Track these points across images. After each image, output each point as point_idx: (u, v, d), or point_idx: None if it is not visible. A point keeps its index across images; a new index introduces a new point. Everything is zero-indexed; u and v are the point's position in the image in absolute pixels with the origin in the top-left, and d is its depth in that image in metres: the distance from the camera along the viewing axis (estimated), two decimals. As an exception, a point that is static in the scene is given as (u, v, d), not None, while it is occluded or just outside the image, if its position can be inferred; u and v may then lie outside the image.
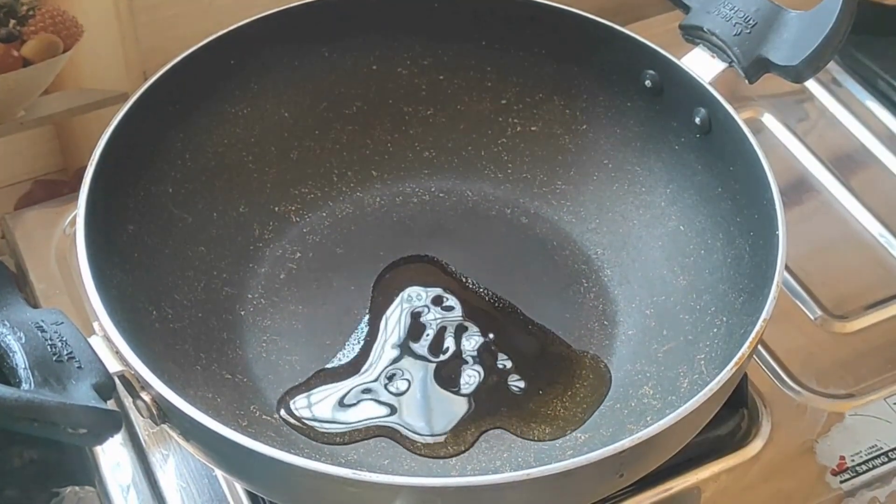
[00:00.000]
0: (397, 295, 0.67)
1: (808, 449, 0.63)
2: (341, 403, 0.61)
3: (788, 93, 0.82)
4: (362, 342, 0.64)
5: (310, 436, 0.60)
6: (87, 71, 0.72)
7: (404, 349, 0.64)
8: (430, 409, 0.61)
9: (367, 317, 0.65)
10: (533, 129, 0.71)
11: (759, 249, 0.58)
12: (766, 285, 0.55)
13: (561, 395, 0.62)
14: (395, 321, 0.65)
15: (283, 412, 0.61)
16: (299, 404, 0.61)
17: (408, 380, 0.62)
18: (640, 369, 0.62)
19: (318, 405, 0.61)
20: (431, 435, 0.60)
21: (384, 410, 0.61)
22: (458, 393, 0.62)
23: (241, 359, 0.63)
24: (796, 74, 0.62)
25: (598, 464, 0.48)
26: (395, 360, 0.63)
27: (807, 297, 0.70)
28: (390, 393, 0.62)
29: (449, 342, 0.64)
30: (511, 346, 0.64)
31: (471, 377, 0.62)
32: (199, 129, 0.65)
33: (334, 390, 0.62)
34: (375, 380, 0.62)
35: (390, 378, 0.62)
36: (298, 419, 0.60)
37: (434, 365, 0.63)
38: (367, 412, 0.61)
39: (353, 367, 0.63)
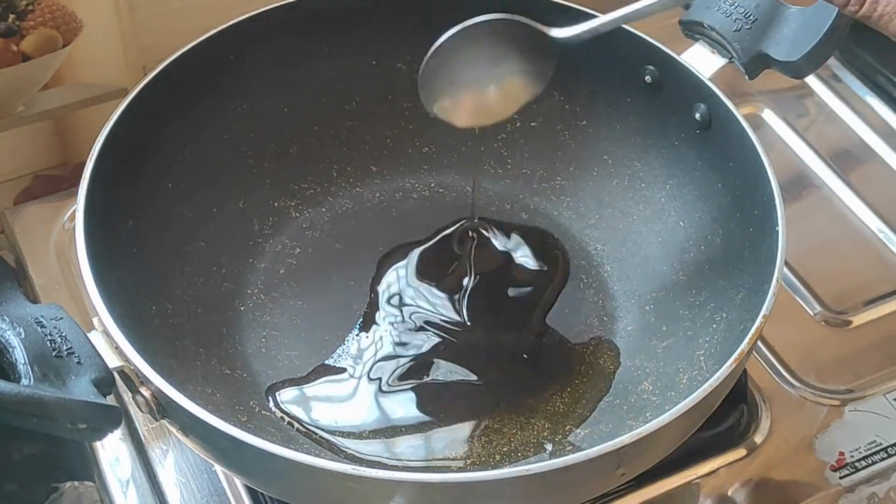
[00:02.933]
0: (396, 290, 0.67)
1: (808, 445, 0.63)
2: (335, 408, 0.61)
3: (788, 88, 0.82)
4: (361, 338, 0.64)
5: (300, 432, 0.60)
6: (86, 66, 0.72)
7: (402, 346, 0.64)
8: (427, 420, 0.61)
9: (366, 312, 0.65)
10: (532, 124, 0.71)
11: (759, 245, 0.58)
12: (765, 281, 0.55)
13: (560, 390, 0.62)
14: (393, 317, 0.65)
15: (271, 402, 0.61)
16: (286, 397, 0.61)
17: (405, 381, 0.62)
18: (639, 365, 0.62)
19: (310, 404, 0.61)
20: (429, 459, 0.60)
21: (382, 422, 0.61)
22: (457, 390, 0.62)
23: (240, 354, 0.63)
24: (796, 70, 0.62)
25: (597, 460, 0.48)
26: (393, 358, 0.63)
27: (806, 292, 0.70)
28: (387, 394, 0.62)
29: (448, 339, 0.64)
30: (510, 341, 0.64)
31: (470, 373, 0.63)
32: (198, 125, 0.65)
33: (329, 391, 0.62)
34: (372, 380, 0.62)
35: (387, 376, 0.62)
36: (286, 412, 0.61)
37: (433, 362, 0.63)
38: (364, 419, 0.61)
39: (351, 365, 0.63)
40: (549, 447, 0.59)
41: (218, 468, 0.60)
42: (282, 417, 0.60)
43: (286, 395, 0.61)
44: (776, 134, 0.80)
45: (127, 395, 0.53)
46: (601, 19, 0.59)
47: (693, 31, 0.64)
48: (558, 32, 0.58)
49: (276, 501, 0.59)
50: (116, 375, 0.51)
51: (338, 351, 0.63)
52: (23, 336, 0.49)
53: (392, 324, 0.65)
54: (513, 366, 0.63)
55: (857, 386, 0.66)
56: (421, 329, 0.64)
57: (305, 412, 0.61)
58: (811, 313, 0.70)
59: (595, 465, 0.48)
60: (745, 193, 0.60)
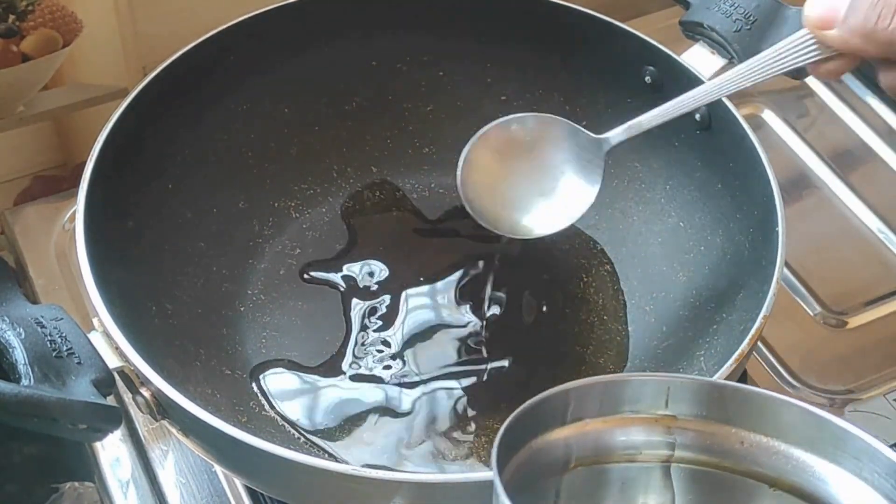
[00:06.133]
0: (396, 291, 0.66)
1: (808, 445, 0.63)
2: (334, 405, 0.62)
3: (788, 89, 0.82)
4: (361, 339, 0.64)
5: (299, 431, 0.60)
6: (86, 66, 0.72)
7: (402, 347, 0.64)
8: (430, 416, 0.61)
9: (366, 313, 0.65)
10: (533, 125, 0.71)
11: (759, 246, 0.58)
12: (765, 281, 0.55)
13: (560, 391, 0.62)
14: (394, 317, 0.65)
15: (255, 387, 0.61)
16: (283, 396, 0.61)
17: (405, 382, 0.62)
18: (639, 365, 0.62)
19: (308, 404, 0.61)
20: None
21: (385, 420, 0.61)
22: (458, 391, 0.62)
23: (240, 355, 0.63)
24: (796, 71, 0.62)
25: (597, 460, 0.48)
26: (393, 359, 0.63)
27: (806, 293, 0.70)
28: (387, 395, 0.62)
29: (449, 338, 0.64)
30: (511, 342, 0.64)
31: (471, 373, 0.63)
32: (198, 125, 0.65)
33: (329, 391, 0.62)
34: (372, 381, 0.62)
35: (387, 377, 0.62)
36: (281, 413, 0.61)
37: (433, 363, 0.63)
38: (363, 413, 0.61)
39: (350, 366, 0.63)
40: (549, 447, 0.59)
41: (218, 468, 0.60)
42: (276, 418, 0.60)
43: (284, 394, 0.61)
44: (776, 134, 0.80)
45: (127, 396, 0.53)
46: (642, 119, 0.59)
47: (693, 31, 0.64)
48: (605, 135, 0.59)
49: (275, 501, 0.59)
50: (116, 376, 0.51)
51: (338, 352, 0.63)
52: (23, 336, 0.49)
53: (393, 325, 0.65)
54: (513, 366, 0.63)
55: (857, 386, 0.66)
56: (422, 330, 0.64)
57: (303, 413, 0.61)
58: (811, 314, 0.70)
59: (595, 466, 0.48)
60: (745, 194, 0.60)
